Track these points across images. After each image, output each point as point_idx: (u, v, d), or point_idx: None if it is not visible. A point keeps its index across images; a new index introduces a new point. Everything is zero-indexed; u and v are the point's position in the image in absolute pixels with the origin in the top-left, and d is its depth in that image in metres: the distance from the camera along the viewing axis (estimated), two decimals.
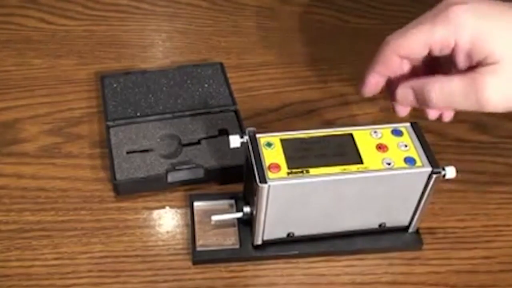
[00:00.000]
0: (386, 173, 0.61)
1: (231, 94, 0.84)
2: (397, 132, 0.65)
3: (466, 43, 0.59)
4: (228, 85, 0.85)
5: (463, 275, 0.67)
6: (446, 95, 0.60)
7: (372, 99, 0.89)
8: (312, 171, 0.60)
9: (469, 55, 0.59)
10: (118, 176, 0.72)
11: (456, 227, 0.72)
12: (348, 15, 1.06)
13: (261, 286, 0.66)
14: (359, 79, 0.95)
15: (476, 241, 0.71)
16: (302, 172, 0.60)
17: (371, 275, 0.67)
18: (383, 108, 0.88)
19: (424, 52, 0.61)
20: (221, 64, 0.89)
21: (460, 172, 0.78)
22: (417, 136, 0.65)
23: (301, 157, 0.62)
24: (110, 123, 0.79)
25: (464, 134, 0.84)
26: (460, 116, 0.88)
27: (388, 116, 0.87)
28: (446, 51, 0.60)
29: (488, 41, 0.58)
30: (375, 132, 0.65)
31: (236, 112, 0.82)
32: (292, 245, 0.67)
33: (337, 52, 0.98)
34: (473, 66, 0.59)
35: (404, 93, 0.63)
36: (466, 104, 0.59)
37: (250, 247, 0.67)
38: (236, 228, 0.69)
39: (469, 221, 0.73)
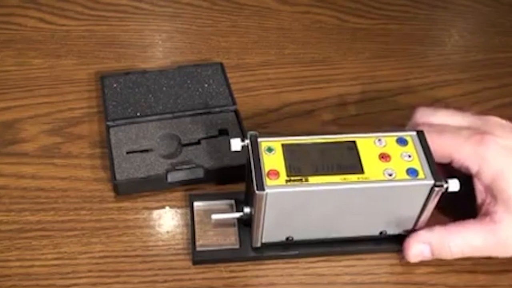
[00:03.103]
0: (386, 185, 0.60)
1: (231, 94, 0.84)
2: (402, 141, 0.64)
3: (487, 178, 0.61)
4: (228, 85, 0.85)
5: (463, 275, 0.67)
6: (467, 248, 0.63)
7: (371, 100, 0.90)
8: (312, 179, 0.60)
9: (488, 189, 0.62)
10: (118, 176, 0.72)
11: None
12: (348, 15, 1.06)
13: (261, 286, 0.66)
14: (359, 79, 0.95)
15: None
16: (301, 180, 0.60)
17: (371, 275, 0.67)
18: (382, 109, 0.88)
19: (444, 160, 0.64)
20: (221, 64, 0.89)
21: None
22: (422, 146, 0.63)
23: (301, 164, 0.61)
24: (110, 123, 0.79)
25: None
26: None
27: (388, 116, 0.87)
28: (465, 171, 0.63)
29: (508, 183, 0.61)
30: (379, 140, 0.64)
31: (236, 112, 0.82)
32: (292, 246, 0.67)
33: (337, 52, 0.98)
34: (490, 202, 0.62)
35: (420, 249, 0.65)
36: (488, 253, 0.64)
37: (250, 247, 0.67)
38: (236, 228, 0.69)
39: None
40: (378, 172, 0.61)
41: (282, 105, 0.87)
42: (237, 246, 0.68)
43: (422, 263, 0.68)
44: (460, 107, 0.88)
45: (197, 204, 0.71)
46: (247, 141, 0.63)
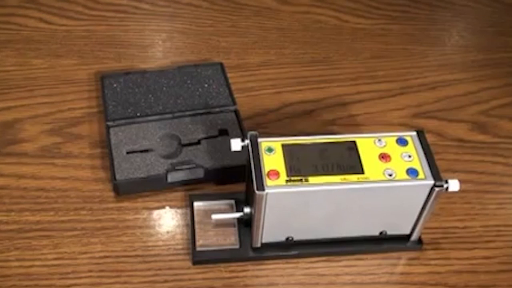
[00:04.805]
0: (386, 185, 0.60)
1: (231, 94, 0.84)
2: (402, 141, 0.64)
3: None
4: (228, 85, 0.85)
5: (463, 275, 0.67)
6: None
7: (371, 100, 0.90)
8: (312, 179, 0.60)
9: None
10: (118, 176, 0.72)
11: (456, 227, 0.72)
12: (348, 15, 1.06)
13: (261, 286, 0.66)
14: (359, 79, 0.95)
15: (476, 241, 0.71)
16: (301, 180, 0.60)
17: (371, 275, 0.67)
18: (382, 109, 0.88)
19: None
20: (221, 64, 0.89)
21: (459, 172, 0.79)
22: (422, 146, 0.63)
23: (301, 164, 0.61)
24: (110, 123, 0.79)
25: (464, 134, 0.84)
26: (460, 116, 0.89)
27: (388, 116, 0.87)
28: None
29: None
30: (379, 140, 0.64)
31: (236, 112, 0.82)
32: (292, 246, 0.67)
33: (337, 52, 0.98)
34: None
35: None
36: None
37: (250, 247, 0.67)
38: (236, 228, 0.69)
39: (469, 221, 0.73)
40: (378, 172, 0.61)
41: (282, 105, 0.87)
42: (237, 246, 0.68)
43: (422, 263, 0.68)
44: (460, 107, 0.89)
45: (197, 204, 0.71)
46: (247, 141, 0.63)
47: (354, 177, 0.60)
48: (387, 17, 1.06)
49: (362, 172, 0.61)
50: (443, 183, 0.61)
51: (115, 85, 0.84)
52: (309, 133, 0.65)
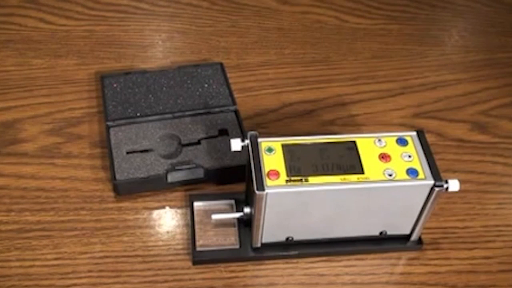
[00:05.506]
0: (386, 185, 0.60)
1: (231, 94, 0.84)
2: (402, 141, 0.64)
3: None
4: (228, 85, 0.85)
5: (463, 275, 0.67)
6: None
7: (371, 100, 0.90)
8: (311, 179, 0.60)
9: None
10: (118, 176, 0.72)
11: (456, 227, 0.72)
12: (348, 15, 1.06)
13: (261, 286, 0.66)
14: (359, 79, 0.95)
15: (476, 241, 0.71)
16: (301, 180, 0.60)
17: (371, 275, 0.67)
18: (382, 109, 0.88)
19: None
20: (221, 64, 0.89)
21: (459, 172, 0.79)
22: (422, 146, 0.64)
23: (301, 164, 0.61)
24: (110, 123, 0.79)
25: (464, 134, 0.84)
26: (460, 116, 0.89)
27: (388, 116, 0.87)
28: None
29: None
30: (379, 140, 0.64)
31: (236, 112, 0.82)
32: (292, 246, 0.67)
33: (337, 52, 0.98)
34: None
35: None
36: None
37: (250, 247, 0.67)
38: (236, 228, 0.69)
39: (469, 221, 0.73)
40: (378, 172, 0.61)
41: (282, 105, 0.87)
42: (237, 246, 0.68)
43: (422, 263, 0.68)
44: (460, 107, 0.89)
45: (197, 204, 0.71)
46: (247, 141, 0.63)
47: (354, 177, 0.60)
48: (387, 17, 1.06)
49: (362, 172, 0.61)
50: (443, 183, 0.61)
51: (115, 85, 0.84)
52: (309, 133, 0.65)
